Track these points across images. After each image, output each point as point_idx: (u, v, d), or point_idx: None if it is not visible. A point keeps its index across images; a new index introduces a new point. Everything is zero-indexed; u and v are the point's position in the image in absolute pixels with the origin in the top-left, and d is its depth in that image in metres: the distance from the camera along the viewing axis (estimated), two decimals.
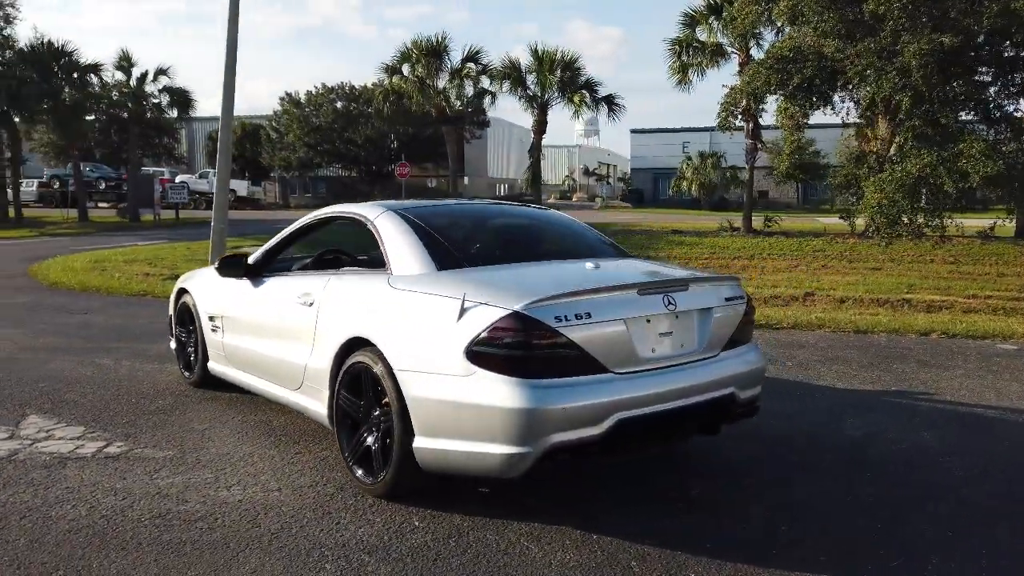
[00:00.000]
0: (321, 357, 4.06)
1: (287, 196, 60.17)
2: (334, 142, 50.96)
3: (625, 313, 3.41)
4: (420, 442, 3.38)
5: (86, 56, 30.76)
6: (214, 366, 5.40)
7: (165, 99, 31.50)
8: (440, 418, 3.33)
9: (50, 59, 27.88)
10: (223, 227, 12.63)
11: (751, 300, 4.12)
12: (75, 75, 28.57)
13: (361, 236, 4.45)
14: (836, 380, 6.11)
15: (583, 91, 24.79)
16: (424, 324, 3.49)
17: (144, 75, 30.06)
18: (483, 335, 3.21)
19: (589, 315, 3.29)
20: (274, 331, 4.59)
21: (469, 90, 25.32)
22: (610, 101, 25.72)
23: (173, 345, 6.08)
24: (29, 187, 47.61)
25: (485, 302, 3.29)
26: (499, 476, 3.29)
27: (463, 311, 3.32)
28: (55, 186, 45.99)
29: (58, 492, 3.74)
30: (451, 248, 4.00)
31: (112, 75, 30.50)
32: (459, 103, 25.96)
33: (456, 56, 25.19)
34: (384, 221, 4.17)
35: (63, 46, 28.46)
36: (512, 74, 24.42)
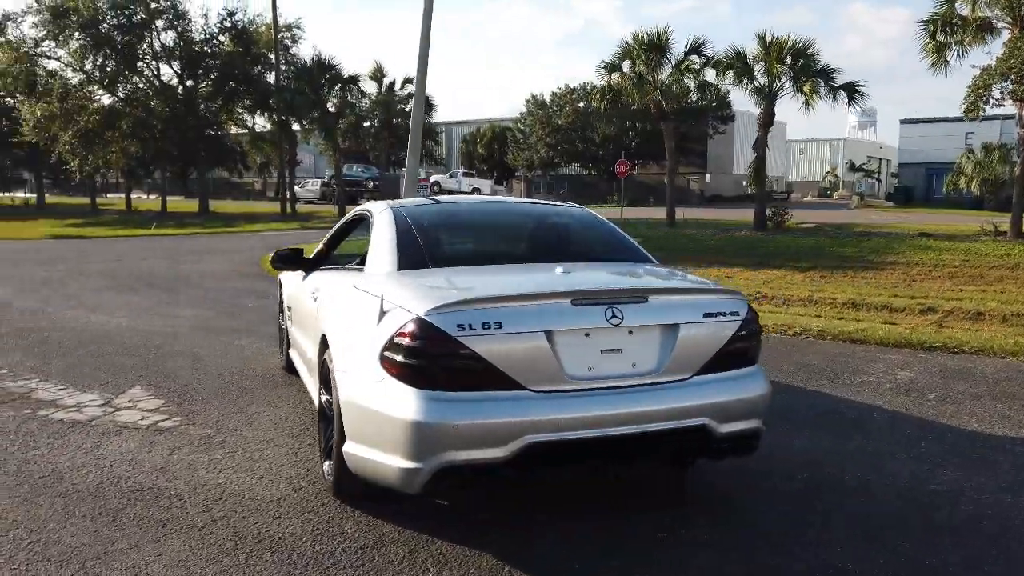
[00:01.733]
0: (313, 352, 4.16)
1: (531, 195, 62.49)
2: (574, 141, 51.89)
3: (548, 325, 3.04)
4: (347, 446, 3.29)
5: (348, 68, 34.43)
6: (291, 352, 5.75)
7: (403, 106, 34.12)
8: (359, 423, 3.22)
9: (318, 73, 31.57)
10: None
11: (754, 319, 3.47)
12: (338, 86, 32.05)
13: None
14: None
15: (817, 79, 22.66)
16: (357, 325, 3.41)
17: (392, 84, 32.87)
18: (391, 340, 3.05)
19: (500, 325, 2.98)
20: (300, 324, 4.80)
21: (690, 84, 24.33)
22: (850, 89, 23.16)
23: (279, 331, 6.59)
24: (314, 186, 54.61)
25: (400, 306, 3.12)
26: (401, 490, 3.11)
27: (382, 314, 3.19)
28: (333, 185, 52.09)
29: (88, 458, 4.21)
30: (422, 248, 3.85)
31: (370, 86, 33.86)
32: (682, 97, 25.05)
33: (679, 49, 24.38)
34: (379, 218, 4.14)
35: (328, 60, 32.09)
36: (736, 64, 23.04)
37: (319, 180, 55.08)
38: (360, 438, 3.20)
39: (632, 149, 51.83)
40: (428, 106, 34.33)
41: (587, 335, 3.10)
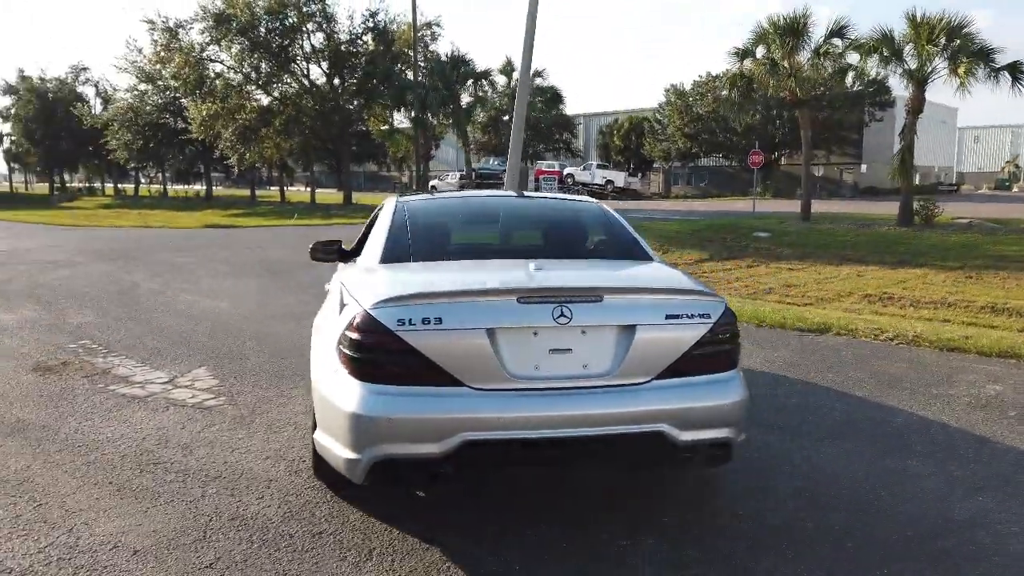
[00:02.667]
0: None
1: (669, 186, 61.08)
2: (714, 131, 50.16)
3: (490, 322, 2.99)
4: (316, 432, 3.40)
5: (481, 63, 35.09)
6: None
7: (539, 98, 34.28)
8: (321, 411, 3.30)
9: (451, 70, 32.41)
10: None
11: (729, 323, 3.24)
12: (470, 82, 32.77)
13: None
14: None
15: (974, 61, 20.60)
16: (329, 316, 3.50)
17: None
18: (343, 332, 3.11)
19: (440, 321, 2.97)
20: None
21: (828, 68, 22.81)
22: (1015, 69, 20.94)
23: None
24: (453, 179, 56.29)
25: (355, 299, 3.17)
26: (350, 480, 3.17)
27: (342, 306, 3.27)
28: (472, 177, 53.36)
29: (127, 431, 4.59)
30: (408, 243, 3.89)
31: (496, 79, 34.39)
32: (819, 84, 23.60)
33: (818, 32, 22.96)
34: (383, 212, 4.24)
35: (462, 56, 32.84)
36: (881, 47, 21.36)
37: (459, 173, 56.63)
38: (322, 426, 3.30)
39: (779, 138, 49.52)
40: (556, 98, 34.47)
41: (535, 334, 3.02)
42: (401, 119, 38.34)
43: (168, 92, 42.11)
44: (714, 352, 3.20)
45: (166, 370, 6.02)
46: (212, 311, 8.80)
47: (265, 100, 37.10)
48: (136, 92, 44.54)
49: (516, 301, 3.03)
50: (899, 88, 28.77)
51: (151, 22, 35.41)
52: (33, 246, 16.95)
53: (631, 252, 4.02)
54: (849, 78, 24.47)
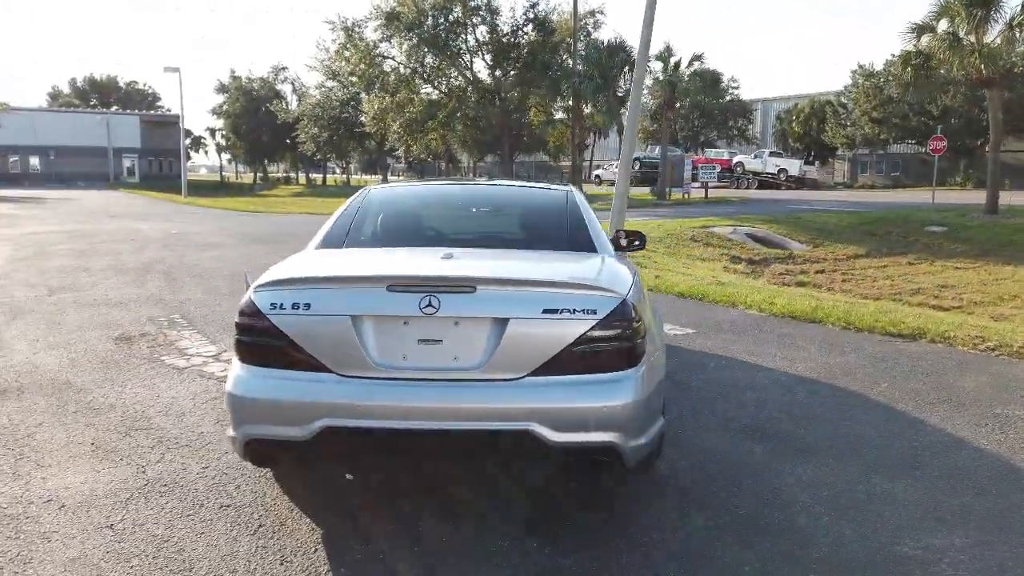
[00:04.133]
0: None
1: (855, 175, 56.66)
2: (906, 115, 45.78)
3: (356, 309, 2.96)
4: None
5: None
6: None
7: (697, 83, 32.94)
8: None
9: (607, 58, 32.00)
10: (623, 206, 13.13)
11: (620, 320, 2.98)
12: (627, 69, 32.14)
13: None
14: None
15: None
16: None
17: (678, 63, 32.00)
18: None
19: (308, 306, 2.99)
20: None
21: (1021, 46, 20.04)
22: None
23: None
24: (618, 168, 55.72)
25: (249, 283, 3.27)
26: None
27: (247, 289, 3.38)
28: (635, 168, 52.49)
29: (148, 398, 5.00)
30: (347, 229, 3.94)
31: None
32: (1008, 60, 20.77)
33: (1013, 2, 20.24)
34: (348, 199, 4.31)
35: (620, 43, 32.31)
36: None
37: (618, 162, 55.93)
38: None
39: (986, 122, 44.35)
40: (715, 83, 32.92)
41: (405, 323, 2.96)
42: (560, 109, 38.51)
43: (349, 88, 45.09)
44: (599, 350, 2.98)
45: (218, 344, 6.49)
46: None
47: (431, 93, 38.66)
48: (323, 89, 48.13)
49: (385, 289, 2.98)
50: None
51: (331, 23, 38.03)
52: (202, 230, 18.84)
53: (577, 243, 3.82)
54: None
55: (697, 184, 33.63)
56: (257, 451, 3.08)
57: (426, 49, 36.19)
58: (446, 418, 2.90)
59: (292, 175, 76.08)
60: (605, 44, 32.63)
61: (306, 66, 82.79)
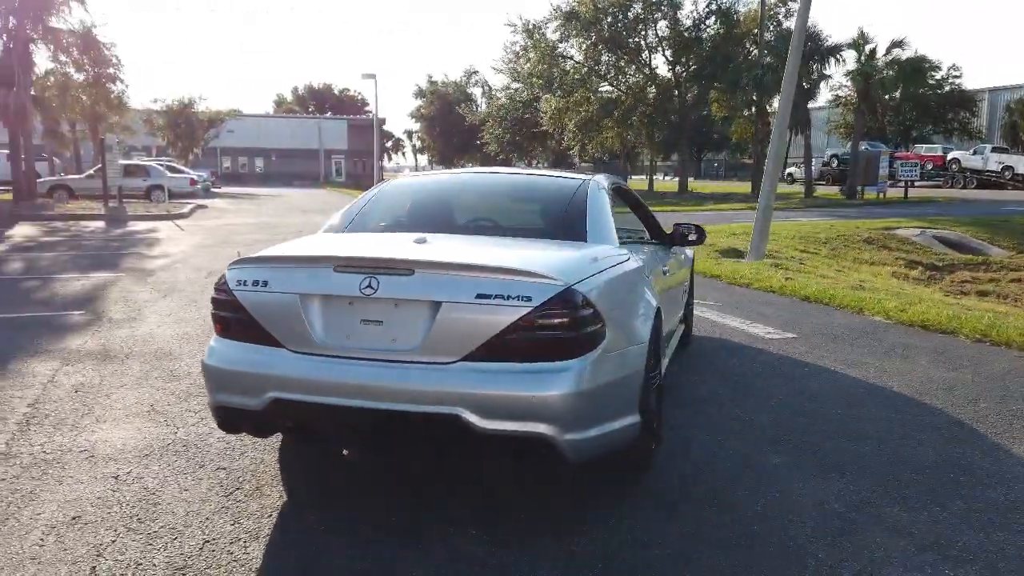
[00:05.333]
0: None
1: None
2: None
3: (305, 288, 3.08)
4: None
5: (834, 38, 31.94)
6: None
7: (891, 73, 30.04)
8: None
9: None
10: (769, 204, 12.32)
11: (558, 309, 2.86)
12: (814, 59, 30.08)
13: None
14: None
15: None
16: None
17: (873, 51, 29.35)
18: None
19: (266, 284, 3.15)
20: None
21: None
22: None
23: None
24: (813, 165, 52.21)
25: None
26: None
27: None
28: (833, 164, 48.98)
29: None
30: (355, 215, 4.09)
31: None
32: None
33: None
34: (372, 187, 4.47)
35: (811, 31, 30.20)
36: None
37: (819, 159, 52.33)
38: None
39: None
40: (917, 72, 29.78)
41: (351, 303, 3.03)
42: (743, 104, 36.77)
43: (532, 90, 46.05)
44: (536, 338, 2.87)
45: None
46: None
47: (608, 92, 38.50)
48: (508, 91, 49.53)
49: (332, 270, 3.07)
50: None
51: (512, 25, 39.03)
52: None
53: (569, 233, 3.69)
54: None
55: (894, 183, 30.70)
56: (224, 418, 3.29)
57: (602, 47, 36.11)
58: (380, 398, 2.93)
59: None
60: (790, 32, 30.66)
61: (492, 68, 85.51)
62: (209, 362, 3.25)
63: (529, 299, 2.86)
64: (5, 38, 22.62)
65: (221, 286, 3.28)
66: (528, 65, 39.16)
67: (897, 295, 8.80)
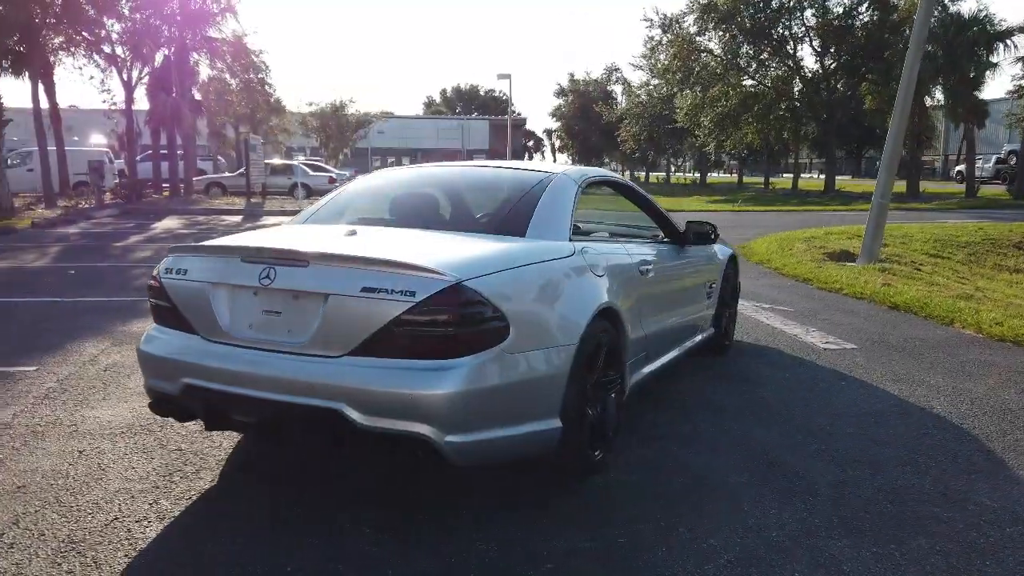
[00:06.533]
0: None
1: None
2: None
3: (214, 277, 3.13)
4: None
5: (1009, 21, 28.79)
6: None
7: None
8: None
9: (955, 32, 27.44)
10: (883, 202, 11.26)
11: (443, 304, 2.75)
12: (977, 47, 27.28)
13: None
14: None
15: None
16: None
17: None
18: None
19: (186, 272, 3.23)
20: None
21: None
22: None
23: None
24: (987, 163, 47.34)
25: None
26: None
27: None
28: (1012, 161, 44.34)
29: None
30: (322, 207, 4.15)
31: None
32: None
33: None
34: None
35: (975, 15, 27.49)
36: None
37: (993, 156, 47.45)
38: None
39: None
40: None
41: (255, 293, 3.05)
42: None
43: (671, 87, 44.88)
44: (419, 334, 2.76)
45: None
46: None
47: (749, 86, 36.81)
48: (648, 87, 48.59)
49: (240, 260, 3.09)
50: None
51: (648, 20, 38.18)
52: None
53: (508, 227, 3.53)
54: None
55: None
56: (153, 402, 3.39)
57: (742, 39, 34.58)
58: (272, 389, 2.92)
59: (620, 172, 78.01)
60: (952, 16, 27.94)
61: (631, 64, 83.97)
62: (141, 347, 3.37)
63: (412, 294, 2.76)
64: (167, 49, 24.86)
65: (155, 274, 3.39)
66: (665, 58, 38.15)
67: (1007, 307, 7.78)
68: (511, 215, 3.62)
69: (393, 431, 2.77)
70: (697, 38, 36.23)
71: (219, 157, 42.30)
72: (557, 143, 74.81)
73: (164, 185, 26.80)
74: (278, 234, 3.68)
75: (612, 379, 3.63)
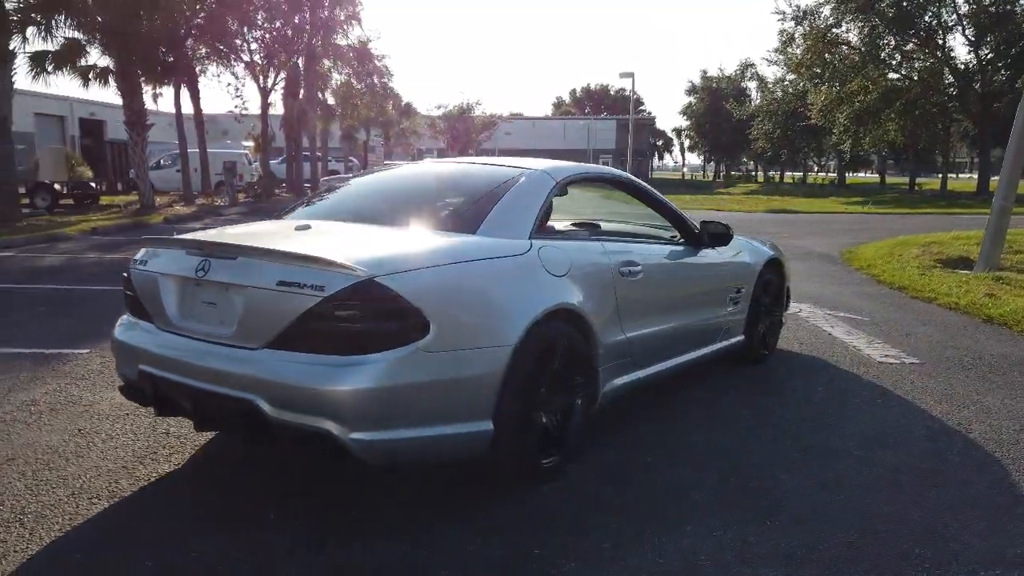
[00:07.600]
0: None
1: None
2: None
3: (164, 268, 3.27)
4: None
5: None
6: None
7: None
8: None
9: None
10: (1006, 205, 10.12)
11: (351, 299, 2.73)
12: None
13: None
14: None
15: None
16: None
17: None
18: None
19: (145, 263, 3.38)
20: None
21: None
22: None
23: None
24: None
25: None
26: None
27: None
28: None
29: None
30: (308, 203, 4.22)
31: None
32: None
33: None
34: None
35: None
36: None
37: None
38: None
39: None
40: None
41: (197, 284, 3.13)
42: None
43: (808, 82, 42.60)
44: (330, 329, 2.76)
45: None
46: None
47: (891, 80, 34.33)
48: (783, 84, 46.45)
49: (185, 252, 3.20)
50: None
51: (781, 13, 36.42)
52: None
53: (461, 224, 3.44)
54: None
55: None
56: (122, 387, 3.56)
57: (883, 29, 32.30)
58: (201, 378, 3.00)
59: (754, 172, 75.03)
60: None
61: (764, 60, 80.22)
62: (114, 334, 3.56)
63: (322, 288, 2.75)
64: (298, 56, 26.33)
65: (127, 266, 3.57)
66: (799, 51, 36.21)
67: None
68: (468, 212, 3.54)
69: (300, 426, 2.77)
70: (834, 30, 34.18)
71: (351, 158, 44.34)
72: (687, 142, 73.00)
73: (306, 185, 28.41)
74: (234, 228, 3.81)
75: (577, 384, 3.48)
